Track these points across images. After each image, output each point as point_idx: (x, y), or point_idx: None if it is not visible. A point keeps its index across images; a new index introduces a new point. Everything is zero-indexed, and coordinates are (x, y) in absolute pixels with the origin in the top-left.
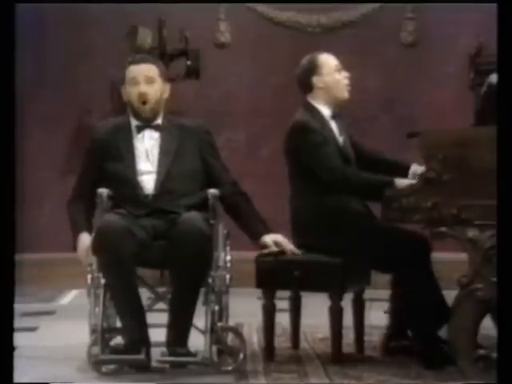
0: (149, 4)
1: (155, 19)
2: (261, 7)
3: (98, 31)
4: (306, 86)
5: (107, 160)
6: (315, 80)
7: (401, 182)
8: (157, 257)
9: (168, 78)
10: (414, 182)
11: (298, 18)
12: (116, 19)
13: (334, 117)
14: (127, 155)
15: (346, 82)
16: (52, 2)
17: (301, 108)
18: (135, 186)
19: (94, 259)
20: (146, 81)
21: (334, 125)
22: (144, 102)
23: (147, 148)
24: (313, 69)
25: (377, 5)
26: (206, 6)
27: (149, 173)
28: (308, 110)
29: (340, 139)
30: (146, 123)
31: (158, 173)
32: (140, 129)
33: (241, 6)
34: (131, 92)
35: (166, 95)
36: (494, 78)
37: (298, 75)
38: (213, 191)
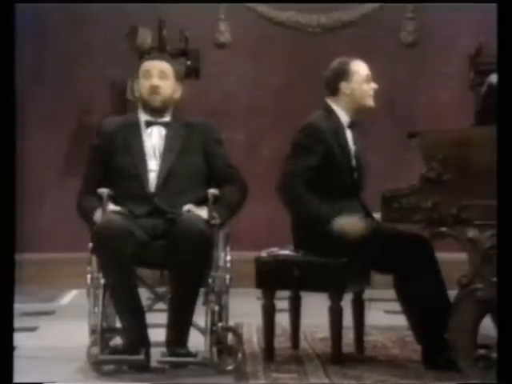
0: (149, 4)
1: (155, 19)
2: (261, 7)
3: (98, 31)
4: (332, 89)
5: (115, 155)
6: (343, 85)
7: (340, 221)
8: (156, 257)
9: (180, 80)
10: (352, 220)
11: (297, 18)
12: (116, 19)
13: (351, 126)
14: (137, 151)
15: (371, 93)
16: (52, 2)
17: (321, 110)
18: (143, 182)
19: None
20: (159, 75)
21: (349, 133)
22: (155, 94)
23: (154, 144)
24: (343, 74)
25: (377, 5)
26: (206, 5)
27: (154, 170)
28: (327, 114)
29: (353, 148)
30: (155, 118)
31: (160, 171)
32: (149, 124)
33: (241, 6)
34: (143, 85)
35: (177, 95)
36: (494, 77)
37: (326, 77)
38: (213, 191)
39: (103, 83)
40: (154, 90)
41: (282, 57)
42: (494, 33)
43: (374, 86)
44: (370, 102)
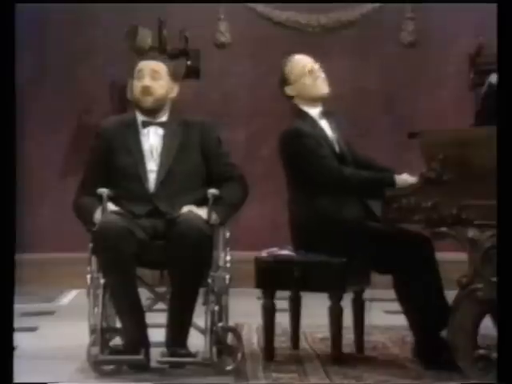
0: (149, 4)
1: (155, 19)
2: (260, 7)
3: (98, 31)
4: (285, 96)
5: (114, 155)
6: (288, 90)
7: (401, 179)
8: (156, 257)
9: (177, 79)
10: (413, 179)
11: (297, 18)
12: (116, 19)
13: (323, 115)
14: (135, 151)
15: (319, 80)
16: (52, 2)
17: (291, 114)
18: (142, 182)
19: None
20: (152, 75)
21: (324, 123)
22: (146, 95)
23: (152, 145)
24: (282, 79)
25: (377, 5)
26: (206, 5)
27: (152, 171)
28: (297, 115)
29: (332, 138)
30: (151, 119)
31: (159, 171)
32: (146, 124)
33: (241, 6)
34: (136, 85)
35: (173, 94)
36: (494, 77)
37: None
38: (213, 191)
39: (103, 83)
40: (146, 90)
41: (281, 57)
42: (494, 33)
43: (318, 73)
44: (322, 91)
